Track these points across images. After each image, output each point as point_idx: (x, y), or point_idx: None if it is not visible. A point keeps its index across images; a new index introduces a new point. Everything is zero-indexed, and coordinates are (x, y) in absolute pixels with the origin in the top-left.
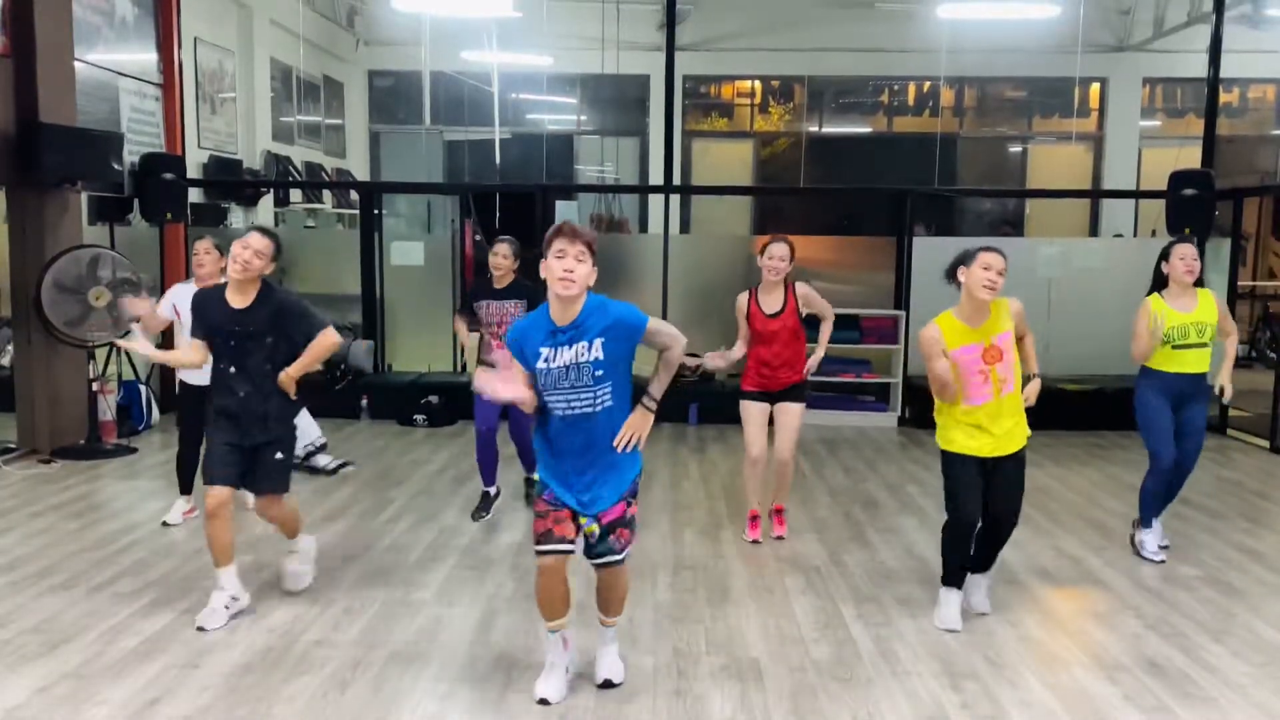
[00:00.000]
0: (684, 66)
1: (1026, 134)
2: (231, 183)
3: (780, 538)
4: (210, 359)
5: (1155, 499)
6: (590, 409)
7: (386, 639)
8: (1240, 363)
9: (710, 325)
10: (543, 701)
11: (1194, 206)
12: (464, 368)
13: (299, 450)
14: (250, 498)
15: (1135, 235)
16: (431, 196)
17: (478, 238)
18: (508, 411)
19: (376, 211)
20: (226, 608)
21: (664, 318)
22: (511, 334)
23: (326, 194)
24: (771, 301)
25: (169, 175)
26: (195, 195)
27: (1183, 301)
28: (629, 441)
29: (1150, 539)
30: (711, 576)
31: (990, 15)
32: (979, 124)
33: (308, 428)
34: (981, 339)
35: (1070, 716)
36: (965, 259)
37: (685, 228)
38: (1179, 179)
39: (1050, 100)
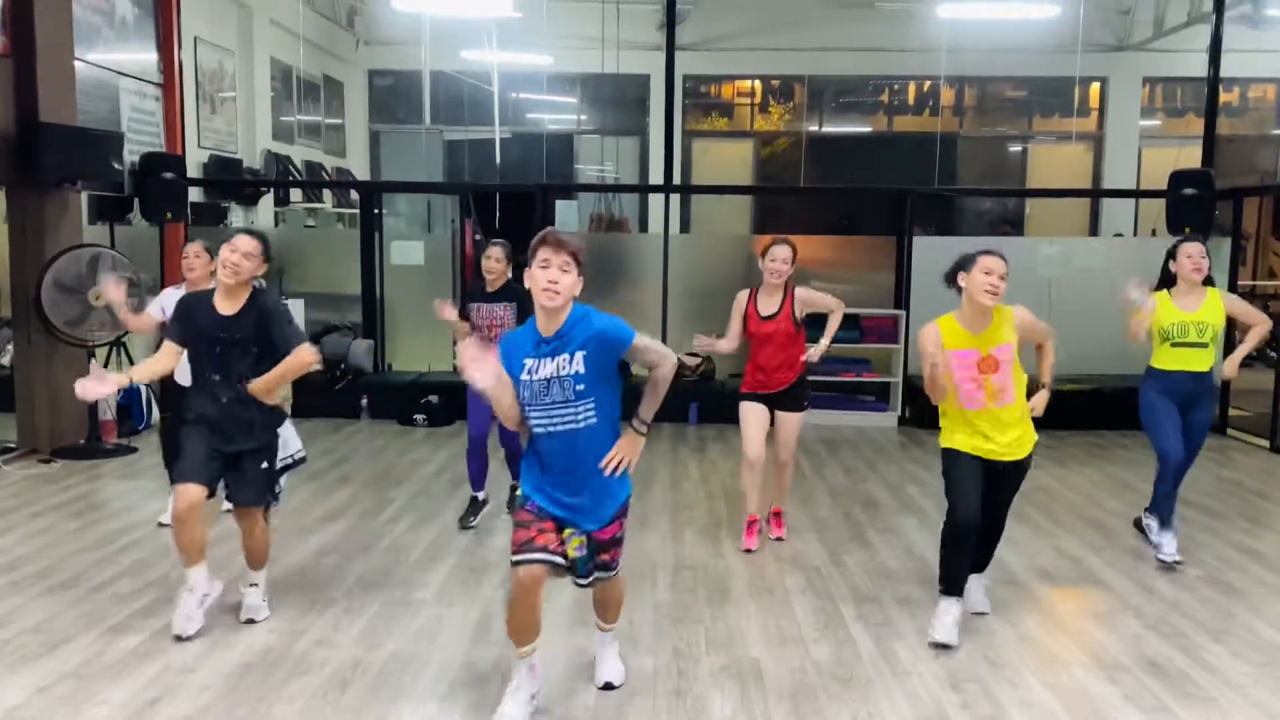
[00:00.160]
0: (684, 66)
1: (1026, 134)
2: (231, 182)
3: (779, 539)
4: (184, 363)
5: (1168, 498)
6: (573, 425)
7: (386, 639)
8: (1242, 362)
9: (710, 325)
10: None
11: (1194, 206)
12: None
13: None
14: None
15: (1135, 235)
16: (431, 196)
17: (478, 237)
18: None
19: (376, 211)
20: (200, 605)
21: (664, 317)
22: (503, 345)
23: (327, 193)
24: (769, 304)
25: (169, 175)
26: (195, 195)
27: (1188, 300)
28: (617, 466)
29: (1168, 541)
30: (711, 576)
31: (990, 15)
32: (979, 124)
33: (290, 439)
34: (980, 347)
35: (1070, 716)
36: (965, 264)
37: (685, 227)
38: (1179, 179)
39: (1050, 100)
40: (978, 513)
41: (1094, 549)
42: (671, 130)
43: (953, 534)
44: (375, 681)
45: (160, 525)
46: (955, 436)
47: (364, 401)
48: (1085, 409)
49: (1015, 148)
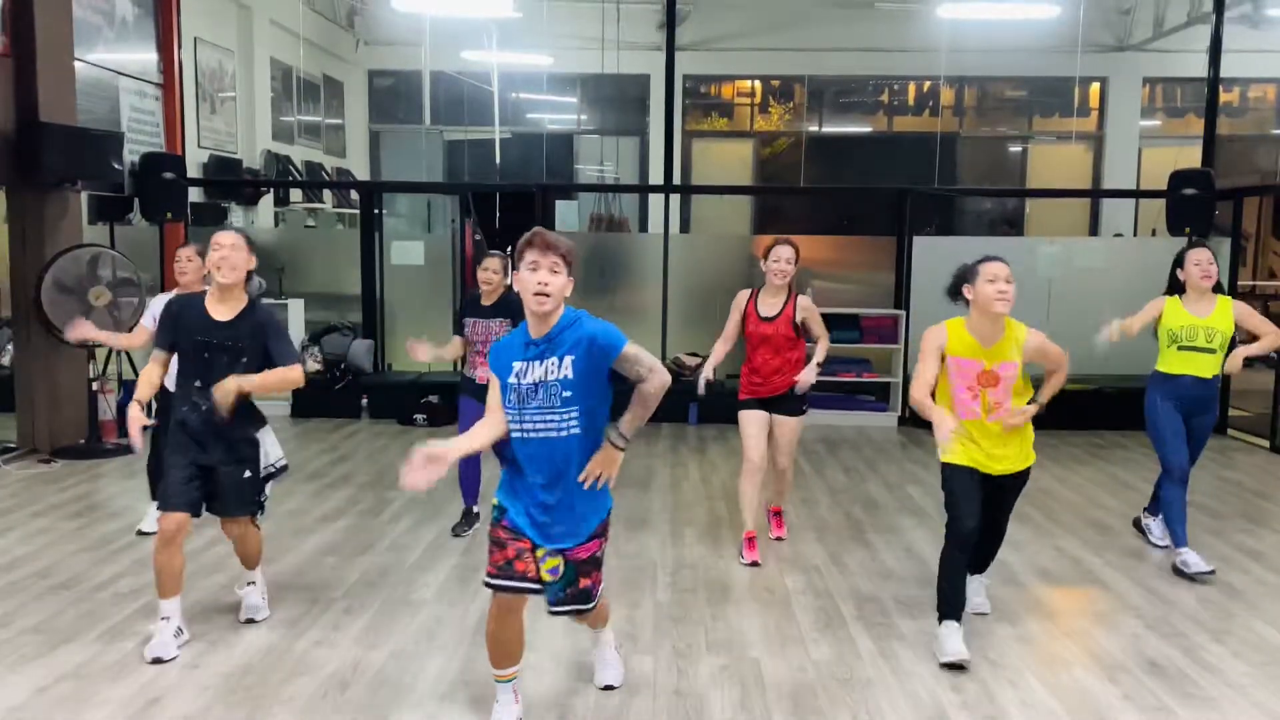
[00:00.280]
0: (684, 66)
1: (1026, 134)
2: (231, 182)
3: (780, 539)
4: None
5: (1179, 510)
6: (555, 433)
7: (386, 639)
8: (1243, 363)
9: (710, 325)
10: None
11: (1194, 206)
12: (463, 364)
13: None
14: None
15: (1135, 235)
16: (431, 196)
17: (477, 237)
18: None
19: (377, 211)
20: (176, 636)
21: (664, 317)
22: (493, 350)
23: (327, 193)
24: (770, 305)
25: (169, 175)
26: (195, 195)
27: (1199, 305)
28: (594, 480)
29: (1192, 555)
30: (711, 576)
31: (990, 15)
32: (979, 124)
33: (270, 448)
34: (984, 360)
35: (1070, 716)
36: (967, 275)
37: (685, 227)
38: (1179, 179)
39: (1050, 100)
40: (978, 523)
41: (1094, 549)
42: (671, 130)
43: (953, 549)
44: (375, 681)
45: (140, 533)
46: (951, 447)
47: (364, 402)
48: (1085, 409)
49: (1015, 148)
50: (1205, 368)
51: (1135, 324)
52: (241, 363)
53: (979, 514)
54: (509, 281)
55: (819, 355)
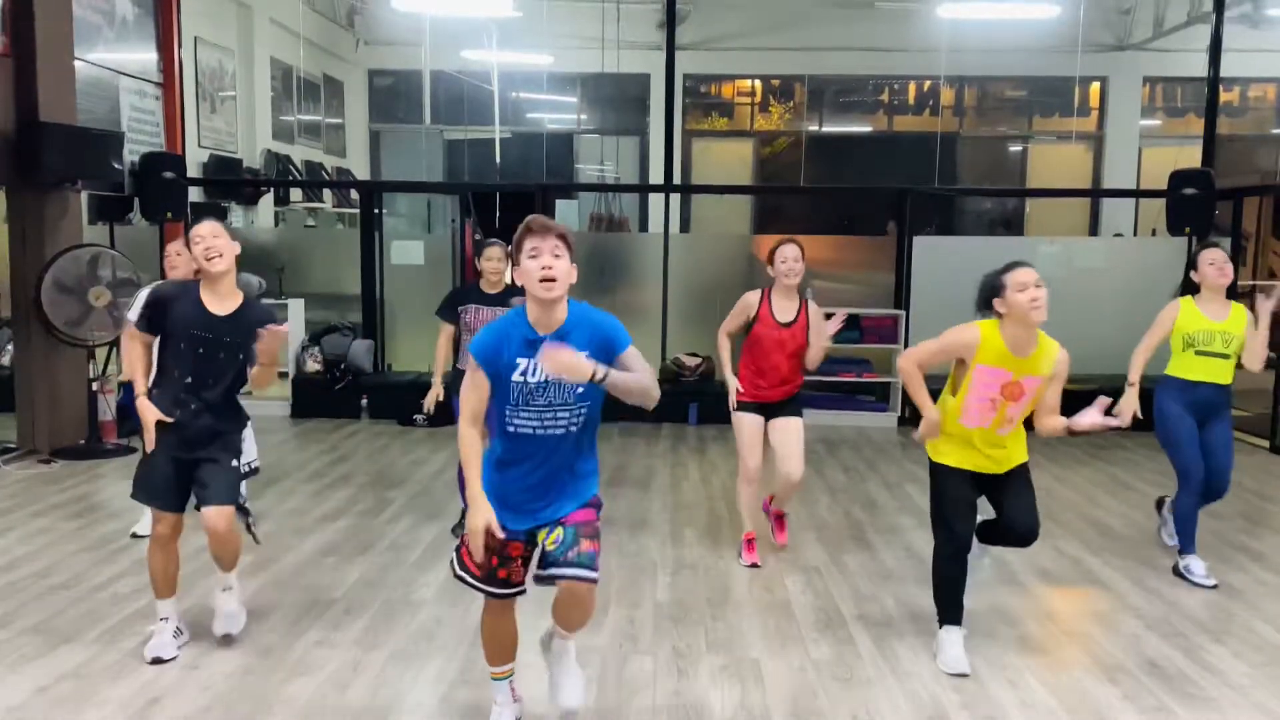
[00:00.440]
0: (684, 66)
1: (1026, 133)
2: (231, 182)
3: (783, 546)
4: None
5: (1191, 520)
6: (565, 429)
7: (386, 639)
8: (1241, 364)
9: (711, 325)
10: None
11: (1194, 206)
12: (457, 359)
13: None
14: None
15: (1135, 235)
16: (431, 196)
17: (477, 237)
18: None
19: (377, 211)
20: (175, 637)
21: (664, 317)
22: (482, 341)
23: (327, 193)
24: (786, 309)
25: (169, 174)
26: (195, 194)
27: (1214, 308)
28: (548, 360)
29: (1195, 563)
30: (711, 576)
31: (990, 15)
32: (979, 123)
33: (248, 447)
34: (1013, 370)
35: (1070, 717)
36: (995, 289)
37: (685, 227)
38: (1179, 178)
39: (1050, 100)
40: (971, 533)
41: (1094, 549)
42: (671, 130)
43: (947, 561)
44: (375, 681)
45: (134, 536)
46: (942, 448)
47: (364, 401)
48: (1085, 409)
49: (1015, 148)
50: (1221, 373)
51: (1141, 364)
52: (239, 359)
53: (974, 521)
54: (509, 280)
55: (814, 354)
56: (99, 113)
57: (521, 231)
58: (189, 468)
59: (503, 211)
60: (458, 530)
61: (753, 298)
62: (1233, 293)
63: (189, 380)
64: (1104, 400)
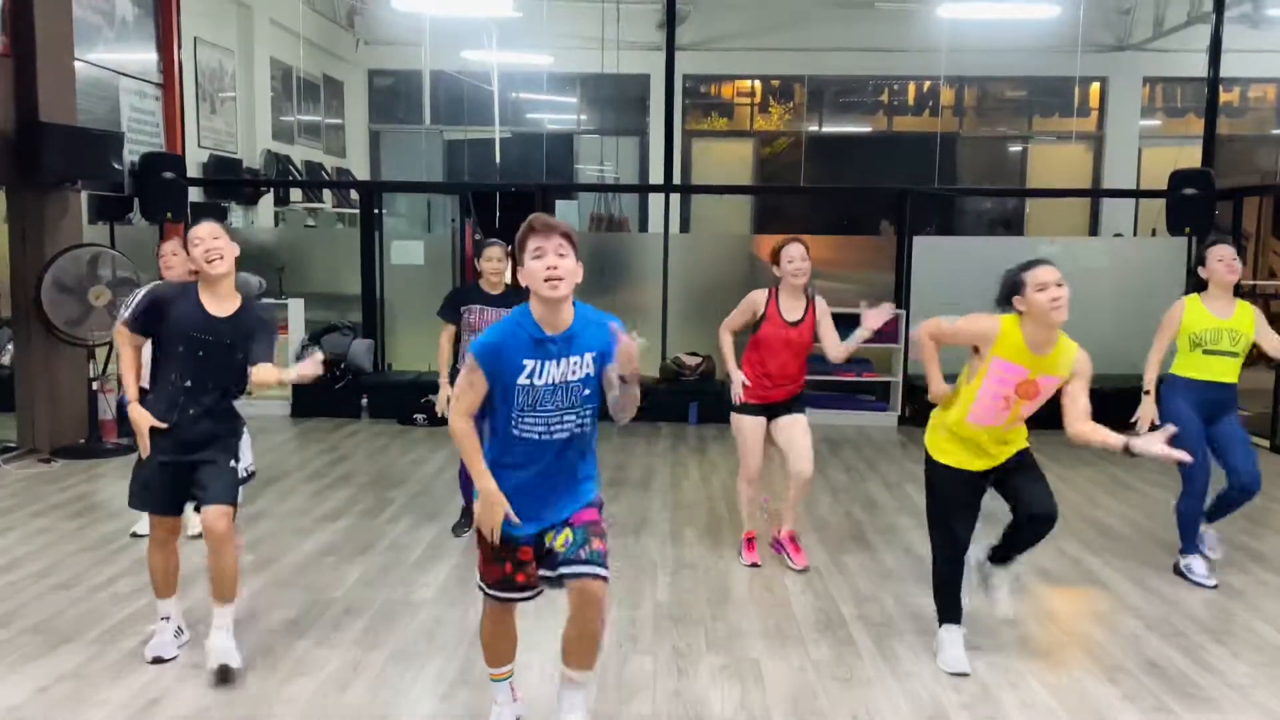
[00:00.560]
0: (684, 66)
1: (1026, 133)
2: (231, 182)
3: (805, 569)
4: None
5: (1193, 522)
6: (571, 432)
7: (386, 639)
8: (1261, 357)
9: (711, 325)
10: None
11: (1194, 206)
12: (458, 360)
13: None
14: (192, 524)
15: (1135, 235)
16: (431, 196)
17: (477, 237)
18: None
19: (376, 211)
20: (176, 636)
21: (664, 317)
22: (484, 343)
23: (326, 193)
24: (794, 308)
25: (169, 174)
26: (195, 194)
27: (1221, 305)
28: (627, 354)
29: (1197, 563)
30: (711, 576)
31: (990, 15)
32: (979, 124)
33: (244, 450)
34: (1030, 368)
35: (1070, 717)
36: (1015, 286)
37: (685, 227)
38: (1179, 178)
39: (1050, 100)
40: (970, 537)
41: (1094, 549)
42: (671, 130)
43: (946, 564)
44: (375, 682)
45: (134, 536)
46: (946, 446)
47: (364, 401)
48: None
49: (1015, 148)
50: (1228, 372)
51: (1155, 365)
52: (239, 360)
53: (974, 524)
54: (508, 280)
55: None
56: (99, 113)
57: (524, 231)
58: (186, 470)
59: (503, 212)
60: (458, 530)
61: (759, 296)
62: (1237, 290)
63: (188, 384)
64: (1169, 430)
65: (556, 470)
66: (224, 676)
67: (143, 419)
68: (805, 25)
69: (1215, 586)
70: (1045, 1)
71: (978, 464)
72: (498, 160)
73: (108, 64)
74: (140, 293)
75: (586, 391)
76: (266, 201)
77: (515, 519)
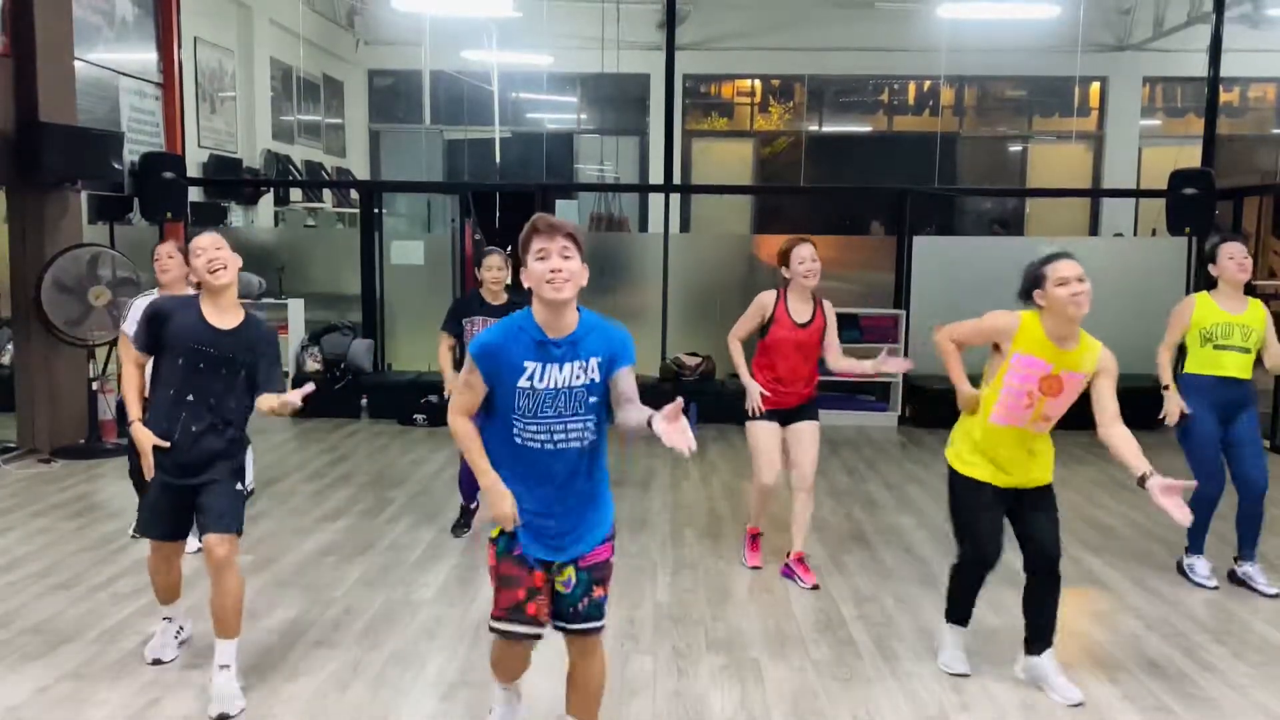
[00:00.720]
0: (684, 66)
1: (1026, 133)
2: (231, 182)
3: (816, 587)
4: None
5: (1201, 524)
6: (577, 443)
7: (386, 639)
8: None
9: (711, 325)
10: None
11: (1194, 206)
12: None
13: None
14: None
15: (1135, 235)
16: (431, 196)
17: (477, 237)
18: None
19: (376, 210)
20: (176, 636)
21: (664, 317)
22: (483, 343)
23: (326, 193)
24: (802, 310)
25: (169, 174)
26: (195, 194)
27: (1232, 302)
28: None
29: (1200, 563)
30: (711, 576)
31: (990, 15)
32: (979, 123)
33: (246, 468)
34: (1052, 363)
35: (1070, 717)
36: (1036, 280)
37: (685, 227)
38: (1179, 178)
39: (1050, 99)
40: (999, 550)
41: (1094, 549)
42: (671, 130)
43: (968, 577)
44: (375, 681)
45: (134, 536)
46: (972, 461)
47: (364, 401)
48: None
49: (1015, 148)
50: (1239, 368)
51: (1167, 359)
52: (242, 376)
53: (1001, 535)
54: (509, 281)
55: (878, 362)
56: (99, 113)
57: (528, 231)
58: (189, 494)
59: (502, 212)
60: (457, 530)
61: (768, 298)
62: (1247, 289)
63: (189, 398)
64: (1185, 487)
65: (565, 481)
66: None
67: (145, 438)
68: (805, 25)
69: (1216, 588)
70: (1045, 1)
71: (999, 478)
72: (498, 160)
73: (108, 64)
74: (139, 302)
75: (591, 399)
76: (266, 201)
77: (518, 520)
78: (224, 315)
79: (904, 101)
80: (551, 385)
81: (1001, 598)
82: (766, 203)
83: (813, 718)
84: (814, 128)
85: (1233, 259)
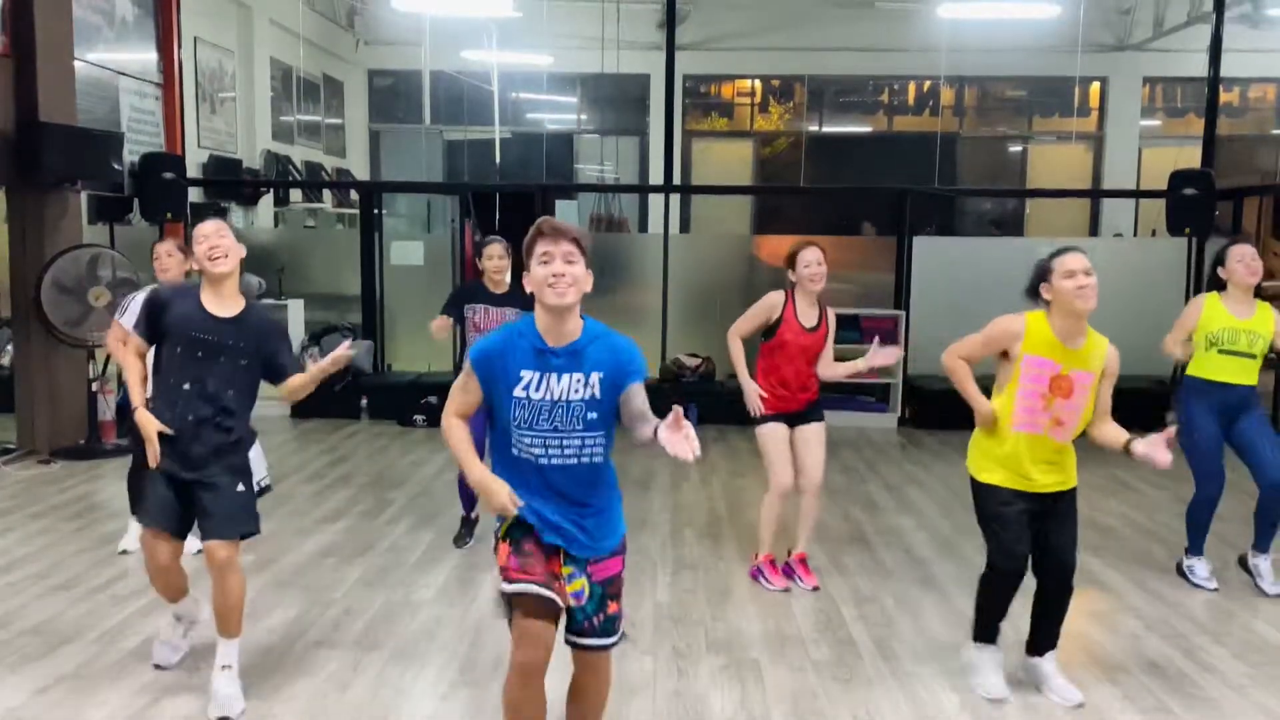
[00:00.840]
0: (684, 66)
1: (1026, 133)
2: (231, 182)
3: (816, 588)
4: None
5: (1201, 526)
6: (574, 459)
7: (386, 639)
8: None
9: (711, 325)
10: None
11: (1194, 206)
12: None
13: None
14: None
15: (1135, 235)
16: (431, 196)
17: (477, 237)
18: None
19: (376, 211)
20: (185, 635)
21: (664, 317)
22: (481, 348)
23: (326, 193)
24: (809, 314)
25: (169, 175)
26: (195, 195)
27: (1240, 307)
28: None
29: (1200, 565)
30: (711, 576)
31: (990, 15)
32: (979, 124)
33: (257, 462)
34: (1062, 362)
35: (1070, 716)
36: (1042, 273)
37: (685, 227)
38: (1179, 178)
39: (1050, 100)
40: (1027, 554)
41: (1094, 549)
42: (671, 130)
43: (998, 584)
44: (375, 682)
45: (124, 553)
46: (992, 470)
47: (364, 402)
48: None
49: (1015, 148)
50: (1245, 374)
51: (1177, 344)
52: (241, 365)
53: (1029, 540)
54: (509, 280)
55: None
56: (99, 113)
57: (532, 234)
58: (189, 490)
59: (502, 212)
60: (459, 541)
61: (777, 300)
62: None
63: (186, 387)
64: (1170, 431)
65: (569, 505)
66: None
67: (150, 424)
68: (805, 25)
69: (1216, 589)
70: (1045, 1)
71: (1022, 483)
72: (498, 160)
73: (108, 64)
74: (137, 298)
75: (592, 415)
76: (266, 202)
77: (519, 501)
78: (224, 304)
79: (904, 101)
80: (548, 397)
81: None
82: (766, 203)
83: (813, 718)
84: (814, 128)
85: (1242, 262)
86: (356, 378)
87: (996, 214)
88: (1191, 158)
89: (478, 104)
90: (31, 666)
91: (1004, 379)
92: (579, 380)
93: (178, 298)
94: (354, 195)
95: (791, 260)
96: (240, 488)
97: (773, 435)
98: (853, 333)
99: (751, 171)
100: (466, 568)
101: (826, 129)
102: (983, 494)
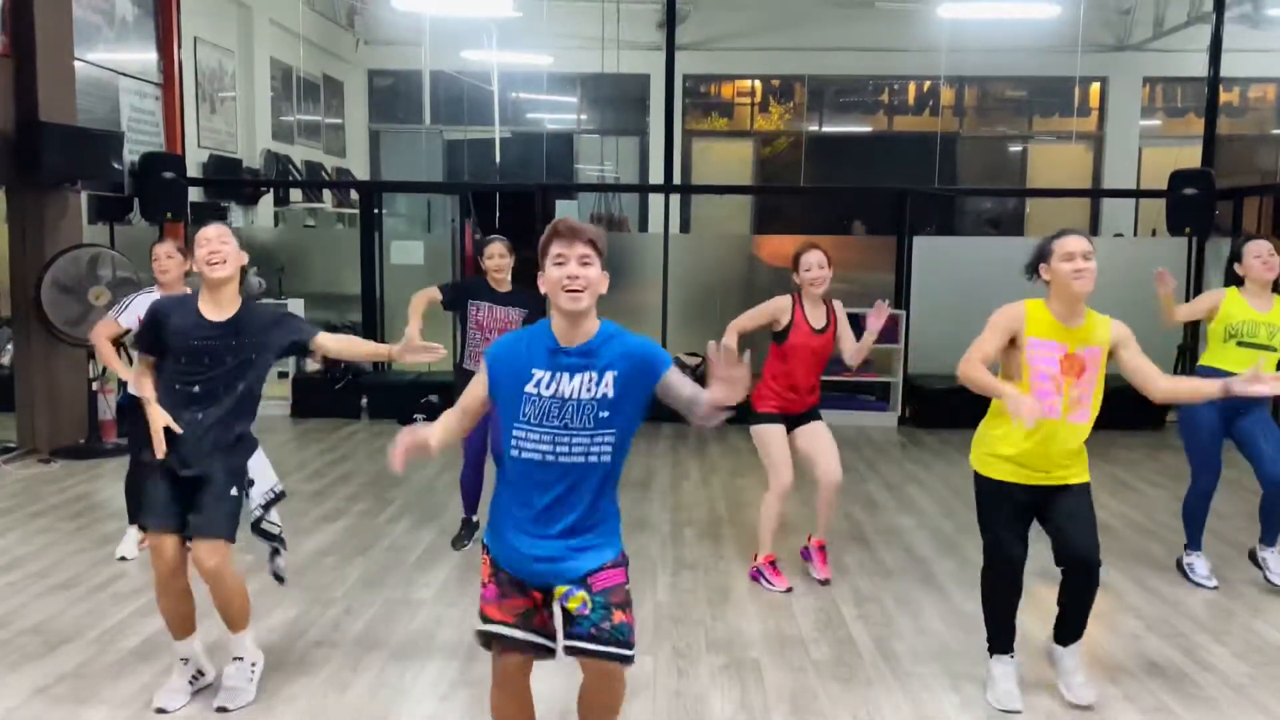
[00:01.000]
0: (684, 66)
1: (1026, 133)
2: (231, 182)
3: (827, 581)
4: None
5: (1198, 519)
6: (581, 459)
7: (386, 639)
8: None
9: (711, 325)
10: None
11: (1194, 206)
12: (462, 358)
13: (258, 499)
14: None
15: (1135, 235)
16: (431, 196)
17: (477, 237)
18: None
19: (376, 211)
20: (192, 682)
21: (664, 317)
22: (499, 345)
23: (326, 193)
24: (817, 316)
25: (169, 174)
26: (195, 195)
27: (1260, 301)
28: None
29: (1200, 562)
30: (711, 576)
31: (990, 15)
32: (979, 123)
33: (265, 471)
34: (1066, 341)
35: (1071, 717)
36: (1042, 254)
37: (685, 227)
38: (1179, 178)
39: (1050, 100)
40: (1024, 553)
41: None
42: (671, 130)
43: (994, 579)
44: (375, 681)
45: (121, 559)
46: (996, 464)
47: (364, 401)
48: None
49: (1015, 148)
50: (1263, 367)
51: (1179, 312)
52: (246, 364)
53: (1025, 537)
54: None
55: (871, 327)
56: (99, 113)
57: (548, 235)
58: (187, 486)
59: (502, 212)
60: (458, 543)
61: (784, 304)
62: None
63: (194, 390)
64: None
65: (571, 506)
66: (222, 713)
67: (159, 417)
68: (805, 25)
69: (1216, 587)
70: (1045, 1)
71: (1027, 477)
72: (498, 160)
73: (108, 64)
74: (136, 297)
75: (604, 414)
76: (266, 201)
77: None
78: (221, 308)
79: (904, 101)
80: (558, 394)
81: None
82: (766, 203)
83: (813, 718)
84: (814, 128)
85: (1259, 258)
86: (357, 376)
87: (996, 214)
88: (1191, 157)
89: (478, 104)
90: (31, 666)
91: (1014, 371)
92: (591, 379)
93: (176, 310)
94: (354, 195)
95: (795, 263)
96: (232, 491)
97: (774, 436)
98: (853, 332)
99: (751, 171)
100: (466, 567)
101: (826, 129)
102: (984, 489)
